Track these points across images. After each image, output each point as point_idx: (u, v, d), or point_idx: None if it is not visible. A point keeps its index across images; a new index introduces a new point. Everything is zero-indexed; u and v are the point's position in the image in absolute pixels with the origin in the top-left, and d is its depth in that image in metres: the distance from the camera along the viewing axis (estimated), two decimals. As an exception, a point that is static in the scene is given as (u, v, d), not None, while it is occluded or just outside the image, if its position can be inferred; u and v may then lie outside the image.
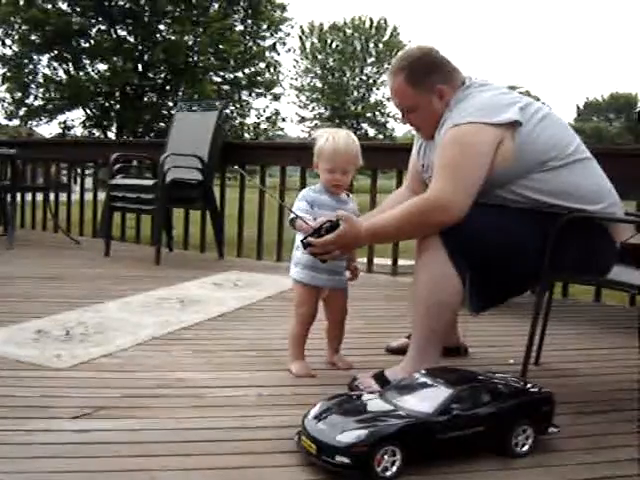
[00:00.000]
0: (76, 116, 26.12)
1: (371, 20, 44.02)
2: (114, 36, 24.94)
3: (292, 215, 2.71)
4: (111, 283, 4.69)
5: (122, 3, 24.23)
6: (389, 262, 5.63)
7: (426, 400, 2.00)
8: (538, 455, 2.10)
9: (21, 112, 25.04)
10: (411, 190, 3.04)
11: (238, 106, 26.65)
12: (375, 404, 2.07)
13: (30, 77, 24.78)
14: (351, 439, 1.86)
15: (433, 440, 1.94)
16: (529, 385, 2.23)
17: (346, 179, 2.79)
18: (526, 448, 2.08)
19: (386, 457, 1.86)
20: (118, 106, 25.80)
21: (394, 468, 1.87)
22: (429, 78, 2.63)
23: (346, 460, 1.85)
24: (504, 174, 2.46)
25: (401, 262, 5.55)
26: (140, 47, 25.00)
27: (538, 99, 2.68)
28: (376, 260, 5.72)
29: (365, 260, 5.68)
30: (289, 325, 2.95)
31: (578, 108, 47.44)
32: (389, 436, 1.89)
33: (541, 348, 3.02)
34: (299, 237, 2.72)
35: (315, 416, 2.03)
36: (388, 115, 44.32)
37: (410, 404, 2.01)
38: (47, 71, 25.11)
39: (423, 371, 2.19)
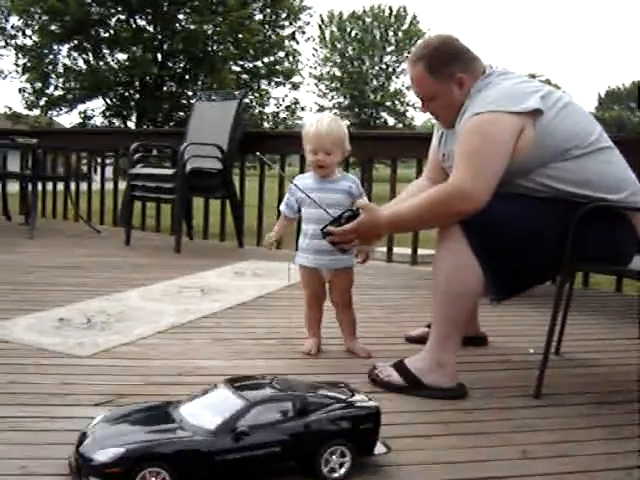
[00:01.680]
0: (96, 106, 26.21)
1: (390, 8, 43.83)
2: (133, 26, 24.97)
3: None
4: (132, 272, 4.71)
5: (141, -8, 24.25)
6: (409, 251, 5.63)
7: (214, 415, 1.75)
8: (558, 445, 2.10)
9: (41, 102, 25.14)
10: (431, 180, 3.03)
11: (257, 95, 26.63)
12: (159, 416, 1.81)
13: (50, 67, 24.86)
14: (106, 458, 1.61)
15: (212, 462, 1.68)
16: (356, 398, 1.94)
17: (329, 160, 2.87)
18: (342, 472, 1.81)
19: None
20: (138, 96, 25.85)
21: None
22: (449, 67, 2.61)
23: None
24: (525, 163, 2.45)
25: (421, 251, 5.54)
26: (159, 37, 25.01)
27: (558, 87, 2.65)
28: (396, 249, 5.72)
29: (385, 249, 5.68)
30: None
31: (599, 96, 46.97)
32: (153, 456, 1.62)
33: (562, 338, 3.01)
34: (308, 225, 2.86)
35: (95, 426, 1.78)
36: (407, 104, 44.11)
37: (196, 419, 1.75)
38: (67, 61, 25.19)
39: (229, 380, 1.90)
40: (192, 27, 24.39)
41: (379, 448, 1.90)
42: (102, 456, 1.61)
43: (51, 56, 24.91)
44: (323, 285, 3.02)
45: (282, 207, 3.04)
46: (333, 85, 44.79)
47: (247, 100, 24.60)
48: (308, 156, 2.91)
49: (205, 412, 1.77)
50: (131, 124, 26.03)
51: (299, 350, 2.98)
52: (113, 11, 24.63)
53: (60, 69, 25.05)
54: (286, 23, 27.04)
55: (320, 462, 1.78)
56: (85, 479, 1.63)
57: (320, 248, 2.86)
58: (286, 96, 28.16)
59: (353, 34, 44.16)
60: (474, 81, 2.61)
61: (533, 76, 2.70)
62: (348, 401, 1.91)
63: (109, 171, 8.11)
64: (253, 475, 1.75)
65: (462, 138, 2.50)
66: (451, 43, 2.67)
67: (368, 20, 44.04)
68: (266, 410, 1.76)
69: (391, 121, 44.65)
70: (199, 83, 25.67)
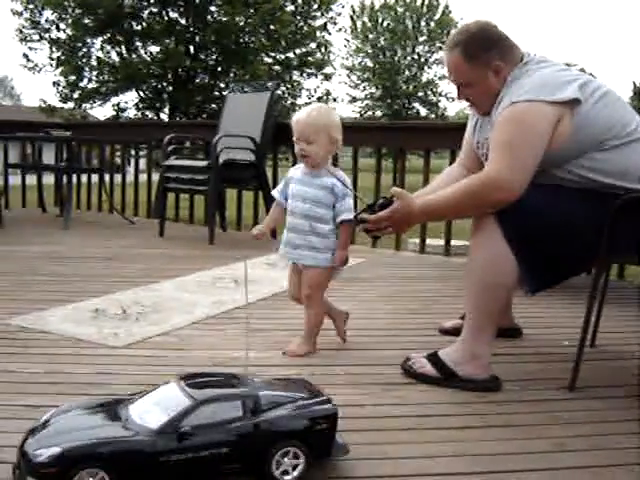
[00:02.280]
0: (129, 98, 26.38)
1: (422, -2, 43.60)
2: (166, 18, 25.07)
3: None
4: (166, 263, 4.75)
5: (173, -15, 24.35)
6: (442, 242, 5.61)
7: (160, 413, 1.69)
8: (592, 437, 2.09)
9: (75, 95, 25.34)
10: (464, 167, 3.01)
11: (289, 87, 26.62)
12: (106, 414, 1.75)
13: (84, 60, 25.04)
14: (43, 458, 1.56)
15: (155, 463, 1.62)
16: (314, 397, 1.87)
17: (311, 149, 2.76)
18: (296, 474, 1.74)
19: None
20: (170, 88, 25.97)
21: None
22: (486, 53, 2.58)
23: None
24: (561, 153, 2.42)
25: (454, 242, 5.52)
26: (191, 29, 25.07)
27: (594, 76, 2.61)
28: (429, 241, 5.71)
29: (418, 241, 5.67)
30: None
31: (635, 85, 46.37)
32: (91, 456, 1.57)
33: (597, 330, 2.98)
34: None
35: (42, 423, 1.73)
36: (440, 94, 43.86)
37: (142, 418, 1.69)
38: (100, 54, 25.35)
39: (185, 376, 1.83)
40: (224, 19, 24.43)
41: (338, 449, 1.84)
42: (40, 456, 1.57)
43: (85, 49, 25.08)
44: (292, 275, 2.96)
45: (274, 192, 2.98)
46: (365, 76, 44.61)
47: (279, 92, 24.62)
48: (295, 146, 2.83)
49: (153, 410, 1.71)
50: (164, 116, 26.17)
51: (334, 341, 2.98)
52: (145, 4, 24.74)
53: (93, 62, 25.22)
54: (318, 14, 26.96)
55: (271, 464, 1.72)
56: (22, 477, 1.60)
57: (290, 241, 2.85)
58: (318, 87, 28.15)
59: (385, 24, 43.93)
60: (511, 69, 2.57)
61: (568, 65, 2.66)
62: (304, 400, 1.84)
63: (142, 163, 8.17)
64: (198, 477, 1.68)
65: (498, 127, 2.47)
66: (489, 30, 2.64)
67: (400, 10, 43.78)
68: (214, 409, 1.70)
69: (423, 111, 44.42)
70: (231, 75, 25.72)
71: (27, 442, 1.65)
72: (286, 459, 1.73)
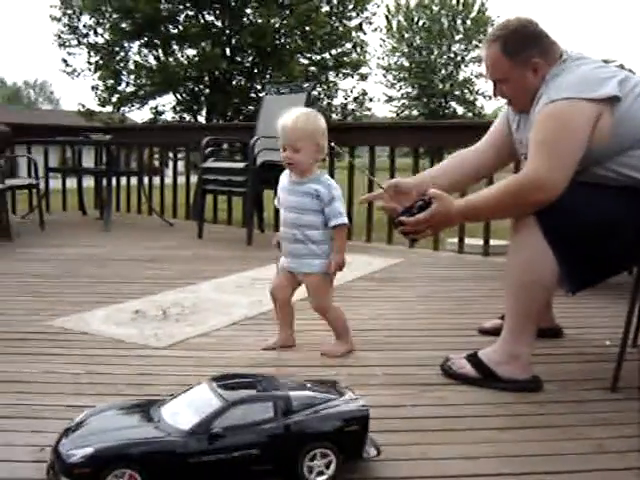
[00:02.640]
0: (167, 101, 26.54)
1: (458, -4, 43.38)
2: (202, 21, 25.21)
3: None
4: (205, 264, 4.78)
5: (209, -12, 24.48)
6: (480, 242, 5.57)
7: (192, 414, 1.70)
8: (634, 439, 2.06)
9: (113, 99, 25.58)
10: (480, 152, 3.00)
11: (325, 87, 26.62)
12: (139, 415, 1.77)
13: (121, 64, 25.28)
14: (77, 458, 1.59)
15: (184, 464, 1.64)
16: (344, 398, 1.86)
17: (297, 157, 2.73)
18: (324, 478, 1.73)
19: None
20: (207, 90, 26.09)
21: None
22: (526, 50, 2.55)
23: None
24: (601, 151, 2.39)
25: (492, 242, 5.48)
26: (228, 31, 25.18)
27: (633, 72, 2.58)
28: (467, 240, 5.67)
29: (456, 240, 5.64)
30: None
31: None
32: (123, 457, 1.60)
33: (639, 329, 2.94)
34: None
35: (76, 423, 1.76)
36: (477, 92, 43.62)
37: (174, 419, 1.71)
38: (137, 58, 25.56)
39: (210, 378, 1.85)
40: (260, 21, 24.51)
41: (369, 451, 1.82)
42: (73, 456, 1.59)
43: (122, 53, 25.31)
44: (285, 286, 2.96)
45: (277, 203, 2.95)
46: (401, 75, 44.48)
47: (315, 92, 24.64)
48: (282, 153, 2.77)
49: (185, 411, 1.72)
50: (201, 119, 26.30)
51: (372, 341, 2.98)
52: (182, 7, 24.90)
53: (131, 66, 25.44)
54: (353, 14, 26.91)
55: (302, 465, 1.71)
56: (56, 477, 1.63)
57: (286, 250, 2.84)
58: (354, 87, 28.07)
59: (420, 23, 43.77)
60: (550, 67, 2.55)
61: (606, 61, 2.62)
62: (334, 402, 1.83)
63: (181, 165, 8.23)
64: (229, 478, 1.69)
65: (538, 125, 2.45)
66: (530, 27, 2.60)
67: (435, 9, 43.59)
68: (245, 411, 1.70)
69: (460, 110, 44.19)
70: (267, 77, 25.80)
71: (61, 442, 1.67)
72: (316, 461, 1.73)
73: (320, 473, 1.74)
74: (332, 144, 2.92)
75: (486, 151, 2.98)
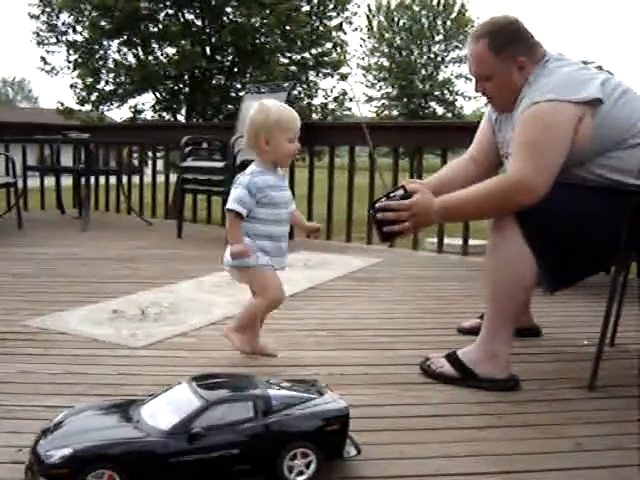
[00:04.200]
0: (146, 100, 26.42)
1: (439, -3, 43.46)
2: (182, 20, 25.13)
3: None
4: (184, 263, 4.76)
5: (189, -13, 24.39)
6: (460, 242, 5.59)
7: (171, 414, 1.70)
8: (611, 437, 2.07)
9: (93, 97, 25.43)
10: (473, 161, 3.00)
11: (305, 87, 26.61)
12: (118, 415, 1.77)
13: (100, 62, 25.13)
14: (54, 459, 1.58)
15: (164, 464, 1.63)
16: (324, 398, 1.86)
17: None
18: (304, 477, 1.73)
19: None
20: (187, 89, 26.01)
21: None
22: (512, 47, 2.55)
23: None
24: (582, 153, 2.41)
25: (472, 242, 5.50)
26: (207, 30, 25.09)
27: (611, 74, 2.59)
28: (447, 240, 5.70)
29: (436, 240, 5.66)
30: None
31: (653, 83, 45.48)
32: (103, 457, 1.59)
33: (616, 329, 2.96)
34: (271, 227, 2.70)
35: (54, 424, 1.75)
36: (457, 93, 43.70)
37: (153, 419, 1.71)
38: (117, 56, 25.42)
39: (196, 377, 1.85)
40: (240, 20, 24.45)
41: (349, 450, 1.83)
42: (52, 457, 1.58)
43: (101, 51, 25.16)
44: None
45: (236, 206, 2.63)
46: (381, 75, 44.52)
47: (295, 92, 24.61)
48: (283, 146, 2.66)
49: (165, 411, 1.72)
50: (181, 117, 26.20)
51: (353, 341, 2.98)
52: (161, 6, 24.80)
53: (110, 64, 25.30)
54: (333, 14, 26.92)
55: (282, 465, 1.71)
56: (35, 478, 1.61)
57: (283, 250, 2.77)
58: (334, 87, 28.11)
59: (401, 23, 43.83)
60: (533, 67, 2.56)
61: (585, 62, 2.64)
62: (314, 401, 1.83)
63: (160, 164, 8.20)
64: (209, 478, 1.69)
65: (521, 127, 2.45)
66: (518, 24, 2.60)
67: (416, 9, 43.68)
68: (225, 410, 1.70)
69: (440, 111, 44.28)
70: (247, 76, 25.74)
71: (39, 443, 1.66)
72: (297, 460, 1.73)
73: (300, 473, 1.73)
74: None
75: (482, 160, 2.96)
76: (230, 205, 2.63)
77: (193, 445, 1.64)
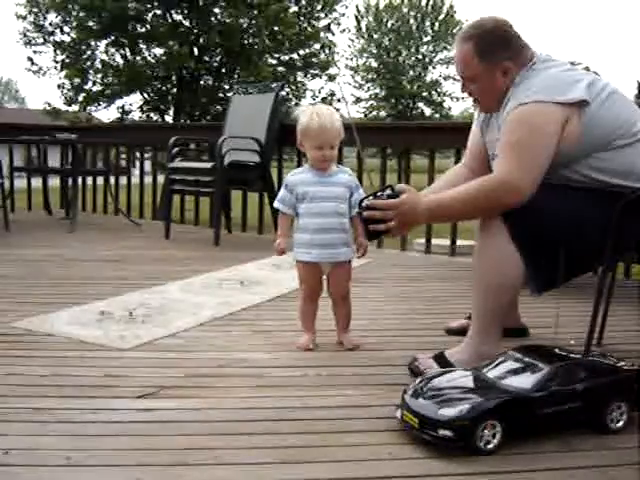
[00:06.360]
0: (134, 100, 26.41)
1: (427, -2, 43.49)
2: (170, 20, 25.09)
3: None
4: (171, 265, 4.75)
5: (177, -13, 24.36)
6: (447, 242, 5.60)
7: (523, 377, 2.06)
8: (600, 437, 2.07)
9: (80, 98, 25.39)
10: (469, 168, 2.99)
11: (294, 88, 26.63)
12: (473, 380, 2.12)
13: (88, 63, 25.09)
14: (454, 413, 1.91)
15: (531, 415, 1.98)
16: (622, 362, 2.25)
17: (335, 153, 2.86)
18: (620, 424, 2.10)
19: (486, 431, 1.92)
20: (175, 90, 25.99)
21: (495, 441, 1.93)
22: (498, 53, 2.56)
23: (449, 433, 1.91)
24: (569, 154, 2.41)
25: (460, 242, 5.51)
26: (195, 31, 25.09)
27: (598, 75, 2.60)
28: (434, 241, 5.70)
29: (423, 241, 5.66)
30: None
31: (639, 84, 45.91)
32: (490, 410, 1.94)
33: (603, 329, 2.97)
34: (310, 220, 2.83)
35: (415, 391, 2.08)
36: (444, 94, 43.79)
37: (508, 380, 2.06)
38: (104, 57, 25.40)
39: (517, 349, 2.22)
40: (228, 21, 24.44)
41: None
42: (449, 412, 1.92)
43: (89, 52, 25.13)
44: (321, 280, 2.96)
45: (278, 204, 2.94)
46: (369, 76, 44.56)
47: (284, 93, 24.59)
48: (311, 151, 2.84)
49: (510, 375, 2.09)
50: (169, 118, 26.19)
51: (338, 342, 2.98)
52: (149, 6, 24.76)
53: (98, 65, 25.27)
54: (321, 15, 26.96)
55: (606, 416, 2.08)
56: (433, 432, 1.93)
57: (324, 242, 2.85)
58: (322, 88, 28.11)
59: (389, 25, 43.87)
60: (520, 69, 2.56)
61: (572, 63, 2.65)
62: (620, 366, 2.22)
63: (148, 165, 8.18)
64: (560, 426, 2.05)
65: (508, 128, 2.46)
66: (504, 28, 2.61)
67: (405, 10, 43.72)
68: (565, 372, 2.06)
69: (428, 112, 44.36)
70: (235, 76, 25.74)
71: (419, 404, 2.01)
72: (615, 413, 2.09)
73: (617, 421, 2.10)
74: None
75: (477, 166, 2.95)
76: (274, 203, 2.96)
77: (552, 399, 2.01)
